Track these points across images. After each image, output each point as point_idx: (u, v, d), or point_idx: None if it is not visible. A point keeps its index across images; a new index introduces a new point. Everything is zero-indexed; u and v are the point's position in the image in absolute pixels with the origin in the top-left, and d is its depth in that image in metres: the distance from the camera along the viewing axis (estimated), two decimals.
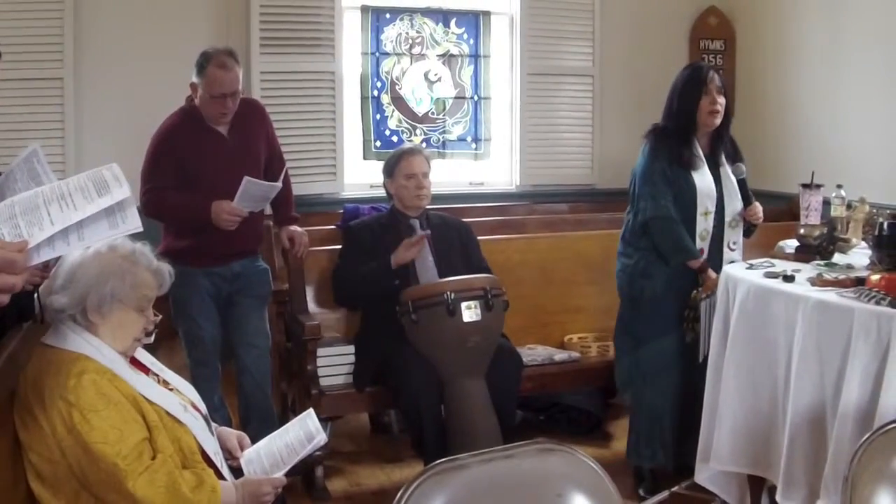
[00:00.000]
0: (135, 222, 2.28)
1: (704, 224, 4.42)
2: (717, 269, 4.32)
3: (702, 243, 4.42)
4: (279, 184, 4.55)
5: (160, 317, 2.93)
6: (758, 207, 4.57)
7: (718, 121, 4.48)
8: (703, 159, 4.47)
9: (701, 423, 4.00)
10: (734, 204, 4.51)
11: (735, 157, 4.59)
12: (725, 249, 4.49)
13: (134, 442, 2.59)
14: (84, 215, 2.16)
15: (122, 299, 2.76)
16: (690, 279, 4.40)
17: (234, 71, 4.47)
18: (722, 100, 4.46)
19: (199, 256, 4.55)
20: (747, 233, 4.64)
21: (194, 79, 4.51)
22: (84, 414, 2.55)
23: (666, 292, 4.42)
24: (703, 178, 4.43)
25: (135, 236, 2.66)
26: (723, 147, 4.56)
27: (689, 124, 4.47)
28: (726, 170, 4.54)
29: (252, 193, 4.43)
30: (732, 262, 4.35)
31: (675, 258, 4.41)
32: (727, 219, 4.50)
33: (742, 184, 4.53)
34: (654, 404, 4.50)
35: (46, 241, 2.09)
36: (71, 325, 2.73)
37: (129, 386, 2.69)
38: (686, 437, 4.34)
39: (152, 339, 4.97)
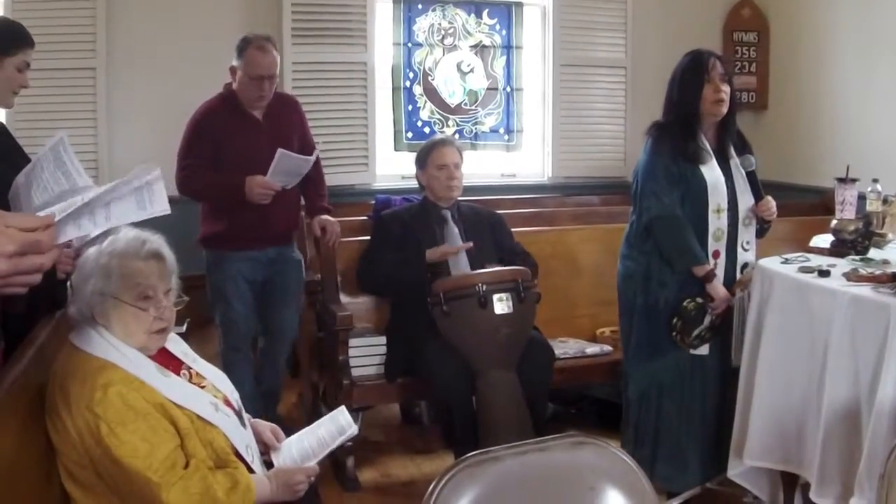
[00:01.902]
0: (163, 204, 2.28)
1: (718, 223, 4.13)
2: (732, 272, 4.18)
3: (716, 244, 4.15)
4: (312, 157, 4.74)
5: (186, 299, 2.86)
6: (770, 202, 4.23)
7: (724, 110, 4.17)
8: (711, 152, 4.18)
9: (731, 435, 3.93)
10: (746, 200, 4.21)
11: (743, 150, 4.27)
12: (739, 250, 4.20)
13: (165, 453, 2.57)
14: (111, 189, 2.16)
15: (116, 295, 2.69)
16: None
17: (272, 55, 4.69)
18: (727, 88, 4.15)
19: (235, 240, 4.74)
20: (760, 232, 4.31)
21: (234, 62, 4.71)
22: (112, 427, 2.53)
23: (679, 297, 4.15)
24: (712, 172, 4.13)
25: (144, 226, 2.68)
26: (730, 139, 4.26)
27: (692, 116, 4.16)
28: (736, 163, 4.23)
29: (285, 166, 4.57)
30: (746, 263, 4.17)
31: (680, 262, 4.14)
32: (741, 216, 4.19)
33: (752, 177, 4.21)
34: (672, 420, 4.25)
35: (73, 219, 2.08)
36: (94, 326, 2.71)
37: (156, 393, 2.65)
38: (711, 453, 4.21)
39: (184, 328, 5.09)
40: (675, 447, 4.24)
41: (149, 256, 2.76)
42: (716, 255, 4.18)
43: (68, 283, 2.88)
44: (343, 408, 3.28)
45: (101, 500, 2.62)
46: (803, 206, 6.16)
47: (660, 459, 4.27)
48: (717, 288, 4.13)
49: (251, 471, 2.82)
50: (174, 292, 2.84)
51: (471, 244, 4.75)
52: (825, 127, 6.99)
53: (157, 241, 2.82)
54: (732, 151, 4.25)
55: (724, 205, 4.15)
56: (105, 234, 2.73)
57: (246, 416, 3.06)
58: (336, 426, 3.16)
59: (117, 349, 2.67)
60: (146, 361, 2.72)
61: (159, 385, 2.69)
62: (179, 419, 2.66)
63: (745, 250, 4.23)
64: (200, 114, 4.76)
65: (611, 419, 5.30)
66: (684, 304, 4.12)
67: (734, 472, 3.90)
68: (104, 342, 2.68)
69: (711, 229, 4.15)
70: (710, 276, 4.13)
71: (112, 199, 2.19)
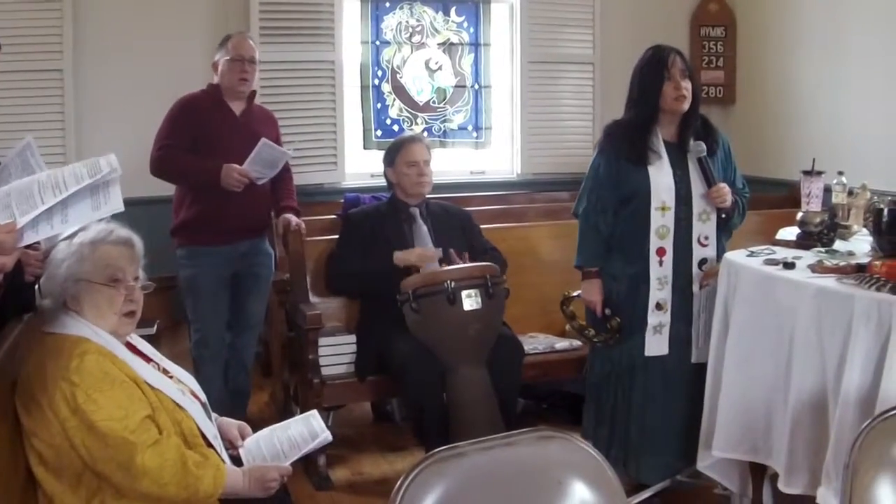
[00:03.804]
0: (116, 203, 2.31)
1: (661, 220, 4.12)
2: (686, 268, 4.18)
3: (661, 242, 4.14)
4: (291, 153, 4.97)
5: (153, 285, 2.92)
6: (721, 189, 4.16)
7: (686, 106, 4.15)
8: (661, 153, 4.16)
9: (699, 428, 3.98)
10: (702, 193, 4.20)
11: (706, 138, 4.22)
12: (695, 245, 4.17)
13: (140, 417, 2.62)
14: (69, 192, 2.18)
15: (87, 277, 2.76)
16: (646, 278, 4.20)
17: (252, 43, 4.92)
18: (688, 84, 4.13)
19: (207, 234, 4.82)
20: (725, 225, 4.31)
21: (216, 57, 4.89)
22: (89, 393, 2.57)
23: (630, 292, 4.23)
24: (658, 172, 4.13)
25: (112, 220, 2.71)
26: (692, 133, 4.20)
27: (651, 112, 4.17)
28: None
29: (265, 156, 4.71)
30: (704, 258, 4.17)
31: (577, 257, 4.34)
32: (696, 211, 4.18)
33: (703, 164, 4.17)
34: (629, 406, 4.28)
35: (31, 224, 2.11)
36: (67, 312, 2.76)
37: (129, 367, 2.71)
38: (680, 445, 4.23)
39: (154, 329, 5.09)
40: (630, 432, 4.28)
41: (118, 241, 2.85)
42: (660, 252, 4.17)
43: (36, 287, 2.89)
44: (315, 412, 3.28)
45: (71, 481, 2.64)
46: (771, 199, 6.19)
47: (616, 442, 4.32)
48: (589, 290, 4.30)
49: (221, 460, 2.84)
50: (142, 280, 2.90)
51: (439, 251, 4.75)
52: (792, 120, 7.04)
53: (125, 230, 2.90)
54: (692, 144, 4.22)
55: (671, 203, 4.14)
56: (74, 232, 2.77)
57: (213, 414, 3.07)
58: (308, 429, 3.16)
59: (91, 329, 2.73)
60: (118, 343, 2.78)
61: (131, 362, 2.75)
62: (150, 395, 2.71)
63: (703, 245, 4.20)
64: (182, 102, 4.90)
65: (581, 414, 5.33)
66: (565, 293, 4.44)
67: (703, 463, 3.92)
68: (78, 323, 2.74)
69: (654, 227, 4.15)
70: (588, 277, 4.30)
71: (70, 200, 2.20)
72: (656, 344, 4.21)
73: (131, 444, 2.56)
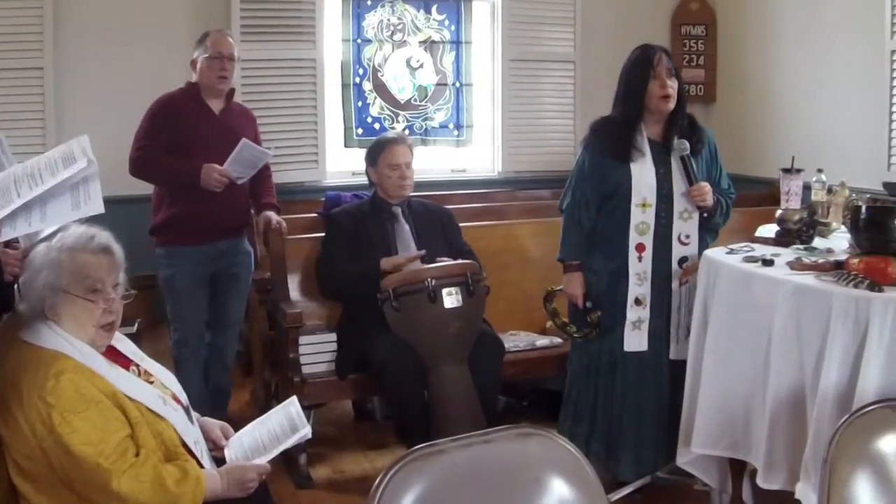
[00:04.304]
0: (97, 204, 2.30)
1: (642, 216, 4.17)
2: (666, 265, 4.22)
3: (640, 238, 4.18)
4: (270, 153, 4.93)
5: (134, 293, 2.90)
6: (702, 187, 4.19)
7: (671, 105, 4.18)
8: (645, 151, 4.20)
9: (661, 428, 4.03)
10: (683, 191, 4.23)
11: (691, 137, 4.25)
12: (675, 243, 4.22)
13: (117, 440, 2.58)
14: (46, 188, 2.17)
15: (66, 289, 2.72)
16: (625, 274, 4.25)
17: (231, 40, 4.89)
18: (673, 83, 4.17)
19: (187, 233, 4.79)
20: (708, 225, 4.34)
21: (194, 55, 4.86)
22: (64, 415, 2.54)
23: (610, 287, 4.29)
24: (641, 169, 4.17)
25: (94, 224, 2.68)
26: (677, 132, 4.23)
27: (637, 111, 4.21)
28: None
29: (245, 157, 4.69)
30: (684, 257, 4.20)
31: (560, 251, 4.39)
32: (678, 209, 4.22)
33: (685, 162, 4.20)
34: (607, 401, 4.33)
35: (9, 219, 2.09)
36: (45, 321, 2.72)
37: (108, 383, 2.67)
38: (661, 441, 4.26)
39: (135, 328, 5.08)
40: (609, 427, 4.32)
41: (98, 250, 2.79)
42: (639, 248, 4.22)
43: (16, 286, 2.87)
44: (294, 398, 3.28)
45: (50, 493, 2.62)
46: (752, 197, 6.22)
47: (595, 438, 4.36)
48: (570, 283, 4.36)
49: (201, 466, 2.82)
50: (122, 287, 2.87)
51: (423, 252, 4.74)
52: (772, 119, 7.07)
53: (105, 236, 2.85)
54: (676, 142, 4.25)
55: (652, 200, 4.19)
56: (54, 231, 2.75)
57: (194, 414, 3.06)
58: (287, 418, 3.16)
59: (68, 342, 2.69)
60: (97, 354, 2.74)
61: (110, 376, 2.71)
62: (130, 409, 2.68)
63: (684, 244, 4.24)
64: (161, 101, 4.86)
65: None
66: (549, 289, 4.49)
67: (683, 460, 3.93)
68: (55, 335, 2.70)
69: (634, 223, 4.19)
70: (570, 270, 4.36)
71: (49, 197, 2.19)
72: (635, 339, 4.26)
73: (106, 470, 2.54)
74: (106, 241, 2.83)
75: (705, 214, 4.28)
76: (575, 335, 4.41)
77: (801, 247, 3.88)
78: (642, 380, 4.26)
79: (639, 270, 4.22)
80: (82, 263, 2.75)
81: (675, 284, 4.22)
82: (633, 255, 4.22)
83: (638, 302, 4.24)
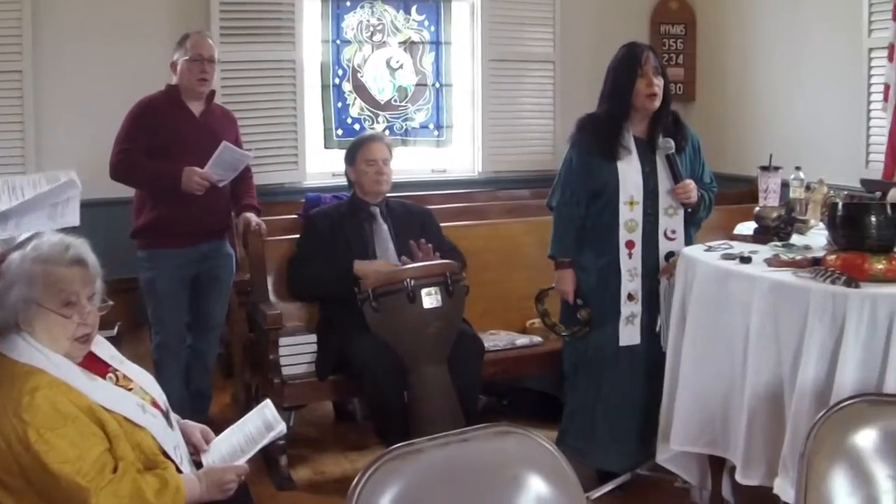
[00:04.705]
0: (73, 218, 2.30)
1: (630, 214, 4.23)
2: (654, 261, 4.27)
3: (630, 235, 4.24)
4: (251, 155, 4.91)
5: (110, 304, 2.87)
6: (687, 185, 4.26)
7: (657, 104, 4.24)
8: (631, 149, 4.26)
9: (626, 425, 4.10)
10: (668, 188, 4.29)
11: (675, 135, 4.31)
12: (662, 239, 4.28)
13: (94, 457, 2.56)
14: (25, 198, 2.17)
15: (40, 302, 2.68)
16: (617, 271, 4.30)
17: (211, 42, 4.88)
18: (660, 81, 4.22)
19: (168, 235, 4.77)
20: (692, 220, 4.41)
21: (174, 57, 4.84)
22: (40, 433, 2.51)
23: (599, 284, 4.34)
24: (627, 167, 4.23)
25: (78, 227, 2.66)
26: (662, 130, 4.29)
27: (623, 108, 4.25)
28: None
29: (226, 159, 4.70)
30: (670, 252, 4.23)
31: (551, 248, 4.41)
32: (663, 206, 4.28)
33: (670, 161, 4.26)
34: (592, 398, 4.39)
35: None
36: (19, 332, 2.69)
37: (84, 397, 2.64)
38: (639, 436, 4.32)
39: (115, 331, 5.06)
40: (588, 423, 4.39)
41: (72, 262, 2.75)
42: (629, 245, 4.27)
43: None
44: (268, 401, 3.26)
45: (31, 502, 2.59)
46: (731, 194, 6.23)
47: (586, 433, 4.42)
48: (562, 280, 4.39)
49: (180, 471, 2.80)
50: (98, 296, 2.84)
51: (400, 266, 4.71)
52: (751, 117, 7.10)
53: (80, 247, 2.80)
54: (661, 141, 4.30)
55: (639, 197, 4.24)
56: (29, 238, 2.73)
57: (174, 417, 3.04)
58: (263, 420, 3.15)
59: (43, 354, 2.66)
60: (72, 366, 2.71)
61: (86, 389, 2.67)
62: (107, 422, 2.64)
63: (670, 239, 4.30)
64: (141, 104, 4.84)
65: (544, 410, 5.35)
66: (540, 290, 4.54)
67: (663, 457, 3.95)
68: (30, 348, 2.66)
69: (623, 220, 4.25)
70: (561, 267, 4.39)
71: (28, 209, 2.19)
72: (629, 334, 4.31)
73: (84, 489, 2.51)
74: (80, 253, 2.78)
75: (689, 210, 4.34)
76: (563, 334, 4.46)
77: (779, 244, 3.90)
78: (635, 373, 4.32)
79: (629, 267, 4.28)
80: (56, 277, 2.71)
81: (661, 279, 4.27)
82: (623, 251, 4.27)
83: (630, 297, 4.29)
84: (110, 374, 2.87)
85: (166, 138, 4.73)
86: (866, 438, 2.54)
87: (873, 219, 3.31)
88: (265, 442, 3.08)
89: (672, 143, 4.25)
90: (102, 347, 2.95)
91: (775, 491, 3.25)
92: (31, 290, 2.68)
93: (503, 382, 5.39)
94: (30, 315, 2.68)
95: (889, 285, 3.17)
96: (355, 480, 2.09)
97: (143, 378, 3.00)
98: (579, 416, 4.45)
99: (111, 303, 2.88)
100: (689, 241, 4.32)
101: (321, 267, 4.74)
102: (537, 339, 5.17)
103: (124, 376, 2.91)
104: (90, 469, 2.53)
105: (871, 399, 2.61)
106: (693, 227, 4.44)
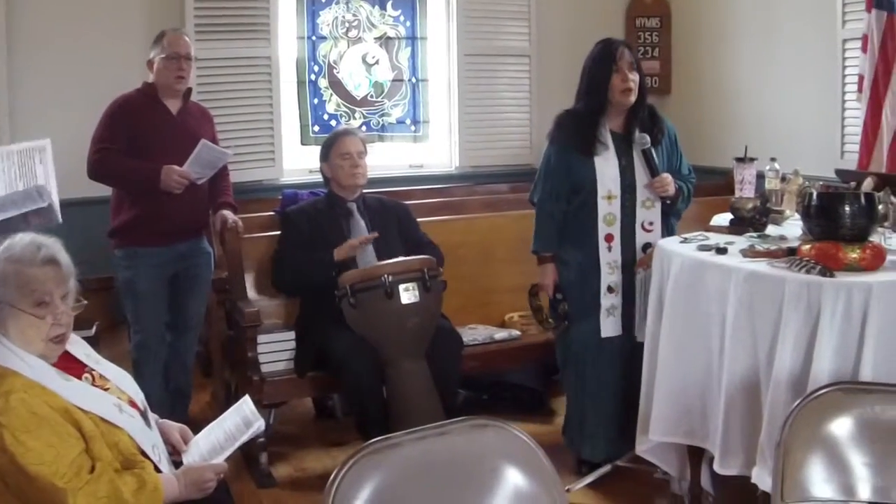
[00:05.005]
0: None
1: (609, 208, 4.30)
2: (632, 253, 4.34)
3: (608, 228, 4.31)
4: (230, 152, 4.94)
5: (84, 303, 2.84)
6: (664, 179, 4.33)
7: (633, 99, 4.30)
8: (608, 143, 4.33)
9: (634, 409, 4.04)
10: (645, 181, 4.35)
11: (652, 129, 4.39)
12: (639, 230, 4.35)
13: (71, 458, 2.54)
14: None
15: (13, 303, 2.67)
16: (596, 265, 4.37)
17: (187, 40, 4.84)
18: (635, 76, 4.29)
19: (146, 234, 4.74)
20: (671, 211, 4.46)
21: (150, 55, 4.80)
22: (16, 435, 2.50)
23: (579, 277, 4.40)
24: (605, 162, 4.30)
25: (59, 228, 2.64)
26: (638, 124, 4.36)
27: (599, 104, 4.31)
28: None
29: (204, 157, 4.66)
30: (648, 243, 4.30)
31: (534, 243, 4.48)
32: (640, 199, 4.34)
33: (647, 155, 4.33)
34: (581, 391, 4.47)
35: None
36: None
37: (59, 398, 2.62)
38: (627, 424, 4.31)
39: (93, 330, 5.04)
40: (581, 416, 4.47)
41: (44, 262, 2.73)
42: (608, 238, 4.34)
43: None
44: (247, 397, 3.26)
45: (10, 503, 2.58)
46: (707, 187, 6.24)
47: (571, 427, 4.54)
48: (544, 274, 4.48)
49: (158, 470, 2.79)
50: (72, 296, 2.81)
51: (375, 234, 4.74)
52: (727, 109, 7.13)
53: (52, 246, 2.78)
54: (637, 136, 4.35)
55: (616, 191, 4.31)
56: (1, 238, 2.72)
57: (153, 416, 3.03)
58: (242, 417, 3.14)
59: (17, 356, 2.64)
60: (47, 367, 2.69)
61: (61, 390, 2.66)
62: (84, 423, 2.63)
63: (647, 231, 4.36)
64: (117, 103, 4.79)
65: (524, 403, 5.36)
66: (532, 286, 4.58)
67: (642, 448, 3.96)
68: (3, 349, 2.65)
69: (601, 214, 4.31)
70: (543, 262, 4.48)
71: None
72: (610, 325, 4.38)
73: (61, 490, 2.50)
74: (52, 253, 2.76)
75: (668, 202, 4.40)
76: (552, 328, 4.57)
77: (755, 234, 3.93)
78: (618, 363, 4.38)
79: (609, 260, 4.35)
80: (29, 277, 2.69)
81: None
82: (602, 245, 4.34)
83: (610, 290, 4.36)
84: (86, 374, 2.85)
85: (143, 137, 4.70)
86: (842, 427, 2.56)
87: (847, 208, 3.34)
88: (244, 439, 3.08)
89: (647, 138, 4.31)
90: (78, 347, 2.93)
91: (753, 480, 3.27)
92: (3, 292, 2.66)
93: (483, 377, 5.39)
94: (3, 316, 2.67)
95: (863, 274, 3.20)
96: (333, 475, 2.10)
97: (120, 377, 2.99)
98: (571, 408, 4.55)
99: (85, 302, 2.85)
100: (670, 232, 4.39)
101: (303, 258, 4.73)
102: (516, 332, 5.19)
103: (101, 376, 2.90)
104: (67, 470, 2.52)
105: (845, 388, 2.64)
106: (674, 217, 4.51)
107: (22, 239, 2.75)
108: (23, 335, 2.68)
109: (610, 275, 4.34)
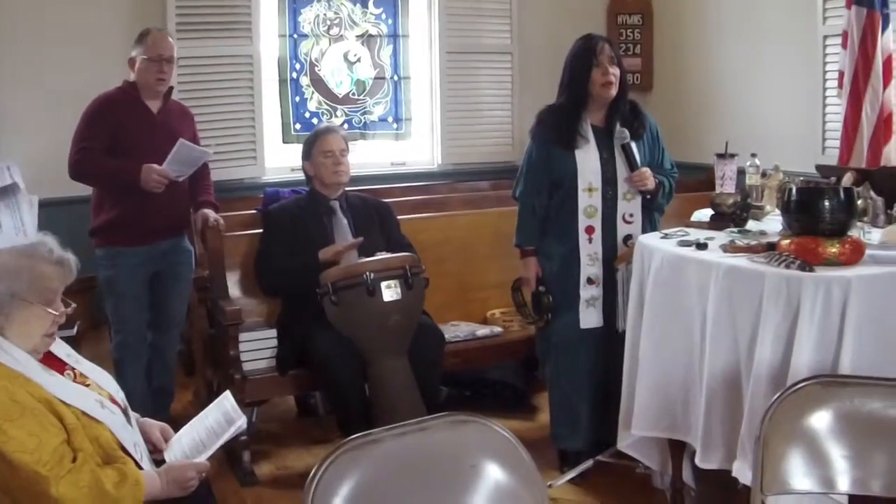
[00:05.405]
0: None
1: (589, 200, 4.34)
2: (613, 244, 4.37)
3: (589, 220, 4.36)
4: (210, 151, 4.91)
5: (73, 305, 2.87)
6: (643, 173, 4.37)
7: (613, 92, 4.34)
8: (589, 137, 4.37)
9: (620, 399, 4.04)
10: (625, 174, 4.40)
11: (632, 124, 4.43)
12: (620, 222, 4.39)
13: (53, 446, 2.54)
14: None
15: (24, 296, 2.69)
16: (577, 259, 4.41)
17: (171, 41, 4.81)
18: (615, 70, 4.33)
19: (127, 234, 4.73)
20: (652, 205, 4.51)
21: (133, 53, 4.76)
22: None
23: (561, 270, 4.43)
24: (586, 155, 4.34)
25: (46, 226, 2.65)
26: (619, 118, 4.40)
27: (580, 98, 4.36)
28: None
29: (183, 156, 4.66)
30: (628, 235, 4.36)
31: (516, 237, 4.54)
32: (621, 191, 4.39)
33: (626, 149, 4.38)
34: (563, 382, 4.50)
35: None
36: None
37: (42, 389, 2.64)
38: (604, 414, 4.36)
39: (75, 330, 5.03)
40: (565, 408, 4.50)
41: (58, 261, 2.79)
42: (589, 230, 4.39)
43: None
44: (227, 393, 3.25)
45: None
46: (689, 183, 6.25)
47: (554, 419, 4.58)
48: (526, 267, 4.53)
49: (140, 468, 2.79)
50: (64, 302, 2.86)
51: (361, 239, 4.72)
52: (708, 106, 7.15)
53: (58, 247, 2.83)
54: (617, 130, 4.40)
55: (597, 184, 4.35)
56: None
57: (133, 415, 3.03)
58: (223, 413, 3.13)
59: (3, 350, 2.65)
60: (32, 360, 2.70)
61: (43, 382, 2.67)
62: (65, 415, 2.63)
63: (628, 222, 4.42)
64: (98, 102, 4.77)
65: (507, 400, 5.37)
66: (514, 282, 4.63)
67: (624, 443, 3.97)
68: None
69: (582, 206, 4.36)
70: (525, 255, 4.52)
71: None
72: (590, 317, 4.42)
73: (44, 477, 2.50)
74: (61, 253, 2.82)
75: (648, 196, 4.44)
76: (535, 322, 4.58)
77: (735, 230, 3.93)
78: (599, 355, 4.42)
79: (589, 251, 4.39)
80: (43, 272, 2.74)
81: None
82: (582, 237, 4.38)
83: (590, 281, 4.40)
84: (67, 372, 2.86)
85: (124, 136, 4.68)
86: (821, 419, 2.57)
87: (826, 203, 3.34)
88: (227, 437, 3.07)
89: (627, 132, 4.36)
90: (59, 347, 2.94)
91: (734, 474, 3.28)
92: (17, 283, 2.69)
93: (465, 373, 5.39)
94: (12, 309, 2.68)
95: (842, 269, 3.21)
96: (313, 472, 2.10)
97: (100, 376, 2.99)
98: (554, 402, 4.57)
99: (74, 305, 2.89)
100: (653, 227, 4.44)
101: (287, 260, 4.72)
102: (498, 329, 5.19)
103: (81, 374, 2.91)
104: (49, 458, 2.52)
105: (824, 381, 2.64)
106: (657, 212, 4.56)
107: (31, 237, 2.84)
108: (26, 327, 2.70)
109: (590, 266, 4.38)
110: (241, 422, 3.10)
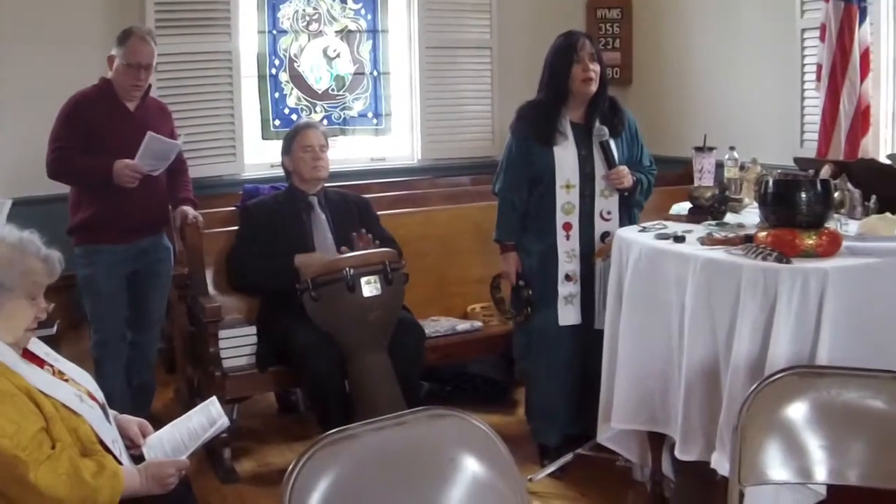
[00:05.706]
0: None
1: (567, 197, 4.36)
2: (590, 241, 4.40)
3: (567, 217, 4.38)
4: (180, 143, 4.91)
5: (52, 305, 2.88)
6: (620, 171, 4.38)
7: (593, 88, 4.36)
8: (567, 134, 4.39)
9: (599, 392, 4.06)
10: (603, 171, 4.41)
11: (612, 121, 4.44)
12: (597, 220, 4.41)
13: (32, 432, 2.55)
14: None
15: (12, 288, 2.70)
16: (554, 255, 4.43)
17: (152, 46, 4.75)
18: (596, 66, 4.34)
19: (105, 231, 4.71)
20: (630, 202, 4.52)
21: (113, 51, 4.73)
22: None
23: (540, 266, 4.45)
24: (564, 152, 4.36)
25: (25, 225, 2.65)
26: (599, 115, 4.42)
27: (560, 94, 4.38)
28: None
29: (154, 149, 4.63)
30: (606, 232, 4.36)
31: (496, 233, 4.56)
32: (599, 188, 4.40)
33: (605, 147, 4.38)
34: (541, 377, 4.52)
35: None
36: None
37: (22, 378, 2.64)
38: (583, 408, 4.38)
39: (54, 329, 5.01)
40: (543, 403, 4.53)
41: (45, 258, 2.81)
42: (566, 227, 4.41)
43: None
44: (214, 398, 3.25)
45: None
46: (668, 176, 6.27)
47: (532, 414, 4.63)
48: (506, 262, 4.56)
49: (119, 463, 2.79)
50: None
51: (347, 250, 4.70)
52: (687, 99, 7.17)
53: (43, 245, 2.84)
54: (596, 127, 4.41)
55: (575, 181, 4.37)
56: None
57: (111, 412, 3.02)
58: (207, 417, 3.13)
59: None
60: (11, 350, 2.71)
61: (24, 372, 2.68)
62: (44, 405, 2.64)
63: (606, 220, 4.43)
64: (74, 100, 4.74)
65: (487, 395, 5.38)
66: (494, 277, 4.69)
67: (603, 436, 3.99)
68: None
69: (559, 203, 4.37)
70: (506, 250, 4.55)
71: None
72: (569, 313, 4.44)
73: (23, 461, 2.51)
74: (47, 250, 2.83)
75: (626, 193, 4.44)
76: (514, 318, 4.59)
77: (713, 222, 3.95)
78: (577, 351, 4.43)
79: (567, 248, 4.41)
80: (32, 267, 2.76)
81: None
82: (560, 233, 4.40)
83: (568, 278, 4.41)
84: (47, 367, 2.87)
85: (100, 134, 4.66)
86: (798, 410, 2.58)
87: (803, 195, 3.36)
88: (208, 437, 3.07)
89: (606, 130, 4.38)
90: (37, 346, 2.94)
91: (712, 465, 3.29)
92: (7, 277, 2.71)
93: (445, 368, 5.40)
94: (0, 298, 2.70)
95: (819, 260, 3.23)
96: (290, 467, 2.10)
97: (78, 374, 3.00)
98: (532, 397, 4.61)
99: (52, 304, 2.90)
100: (632, 222, 4.41)
101: (262, 261, 4.70)
102: (478, 324, 5.20)
103: (59, 371, 2.91)
104: (28, 444, 2.53)
105: (801, 372, 2.64)
106: (636, 208, 4.57)
107: (14, 230, 2.81)
108: (11, 321, 2.71)
109: (568, 263, 4.40)
110: (223, 421, 3.10)
